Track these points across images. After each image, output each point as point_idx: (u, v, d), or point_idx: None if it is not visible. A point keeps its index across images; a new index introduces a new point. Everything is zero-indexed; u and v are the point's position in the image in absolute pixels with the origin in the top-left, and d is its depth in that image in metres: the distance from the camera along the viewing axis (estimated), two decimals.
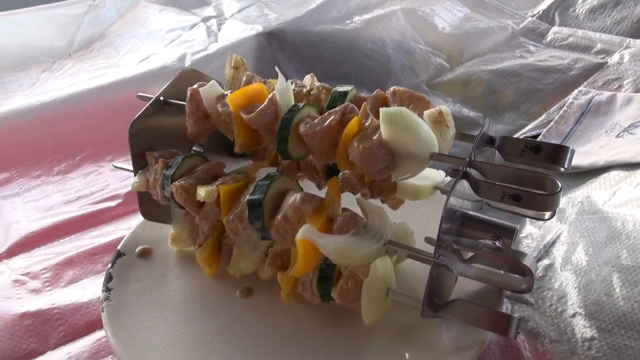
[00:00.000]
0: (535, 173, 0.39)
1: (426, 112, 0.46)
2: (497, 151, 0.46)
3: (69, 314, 0.54)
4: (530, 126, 0.77)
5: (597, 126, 0.71)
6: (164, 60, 0.88)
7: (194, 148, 0.62)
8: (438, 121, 0.45)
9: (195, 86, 0.53)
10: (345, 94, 0.51)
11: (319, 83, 0.55)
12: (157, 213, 0.58)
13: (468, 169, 0.41)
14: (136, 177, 0.54)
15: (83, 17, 1.13)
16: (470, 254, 0.45)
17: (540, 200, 0.37)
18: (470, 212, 0.45)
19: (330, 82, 0.53)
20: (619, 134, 0.67)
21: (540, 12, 0.98)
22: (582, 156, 0.66)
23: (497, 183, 0.40)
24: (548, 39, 0.93)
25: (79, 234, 0.66)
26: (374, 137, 0.43)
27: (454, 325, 0.46)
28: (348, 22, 0.92)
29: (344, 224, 0.43)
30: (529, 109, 0.80)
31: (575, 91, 0.77)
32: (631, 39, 0.83)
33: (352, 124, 0.44)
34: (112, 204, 0.71)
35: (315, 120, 0.46)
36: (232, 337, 0.49)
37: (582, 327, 0.47)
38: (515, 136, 0.76)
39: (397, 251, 0.50)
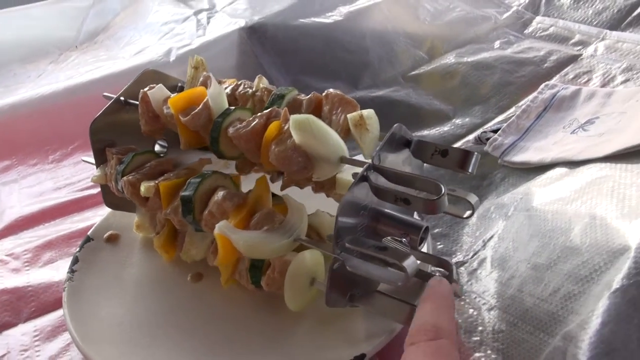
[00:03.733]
0: (425, 179, 0.41)
1: (349, 116, 0.49)
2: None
3: (41, 292, 0.61)
4: (497, 119, 0.78)
5: (557, 121, 0.71)
6: (151, 55, 0.93)
7: (159, 142, 0.67)
8: (359, 124, 0.48)
9: (146, 89, 0.57)
10: (282, 96, 0.55)
11: (265, 85, 0.59)
12: (120, 202, 0.63)
13: (369, 172, 0.44)
14: (97, 170, 0.60)
15: (90, 9, 1.20)
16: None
17: (424, 204, 0.40)
18: (383, 210, 0.48)
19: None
20: (574, 130, 0.68)
21: (527, 1, 0.97)
22: (534, 152, 0.67)
23: (391, 187, 0.42)
24: (530, 29, 0.92)
25: (62, 219, 0.73)
26: (289, 141, 0.46)
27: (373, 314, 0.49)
28: (329, 14, 0.94)
29: (259, 220, 0.47)
30: (499, 102, 0.81)
31: (542, 85, 0.77)
32: (607, 30, 0.82)
33: (271, 128, 0.48)
34: (95, 191, 0.77)
35: (242, 124, 0.50)
36: (174, 317, 0.54)
37: (495, 320, 0.50)
38: (480, 130, 0.77)
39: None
